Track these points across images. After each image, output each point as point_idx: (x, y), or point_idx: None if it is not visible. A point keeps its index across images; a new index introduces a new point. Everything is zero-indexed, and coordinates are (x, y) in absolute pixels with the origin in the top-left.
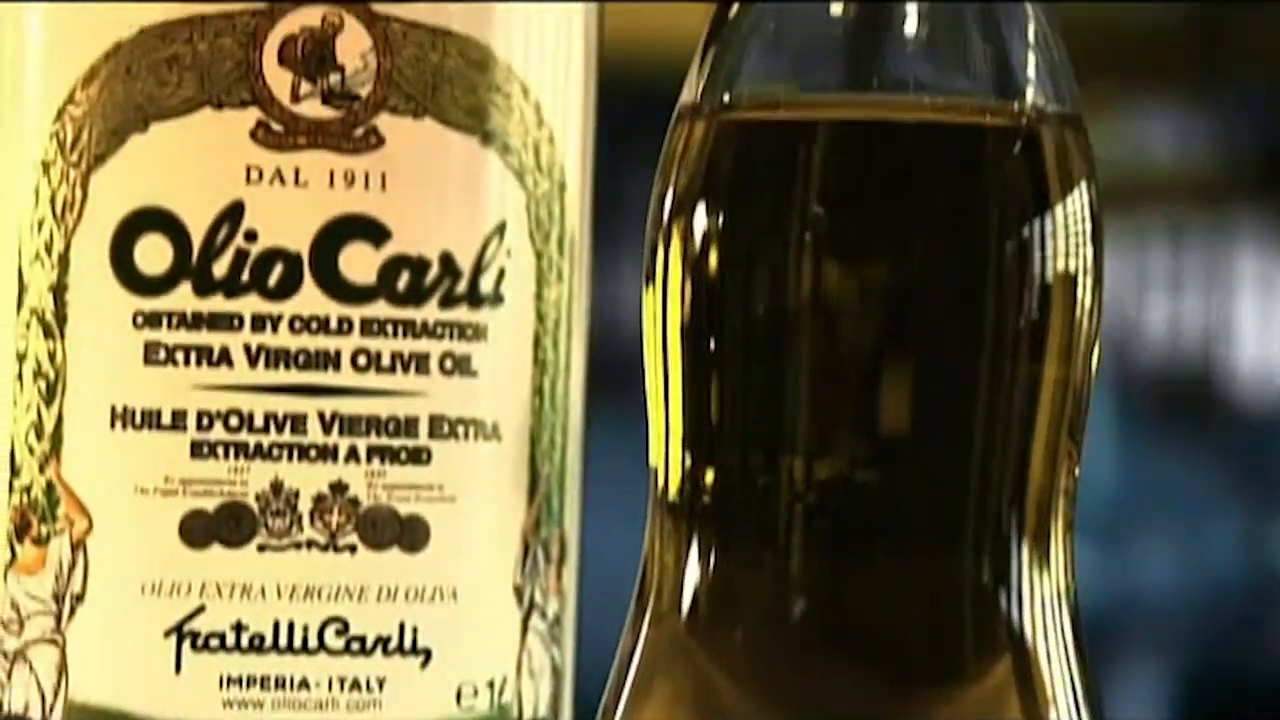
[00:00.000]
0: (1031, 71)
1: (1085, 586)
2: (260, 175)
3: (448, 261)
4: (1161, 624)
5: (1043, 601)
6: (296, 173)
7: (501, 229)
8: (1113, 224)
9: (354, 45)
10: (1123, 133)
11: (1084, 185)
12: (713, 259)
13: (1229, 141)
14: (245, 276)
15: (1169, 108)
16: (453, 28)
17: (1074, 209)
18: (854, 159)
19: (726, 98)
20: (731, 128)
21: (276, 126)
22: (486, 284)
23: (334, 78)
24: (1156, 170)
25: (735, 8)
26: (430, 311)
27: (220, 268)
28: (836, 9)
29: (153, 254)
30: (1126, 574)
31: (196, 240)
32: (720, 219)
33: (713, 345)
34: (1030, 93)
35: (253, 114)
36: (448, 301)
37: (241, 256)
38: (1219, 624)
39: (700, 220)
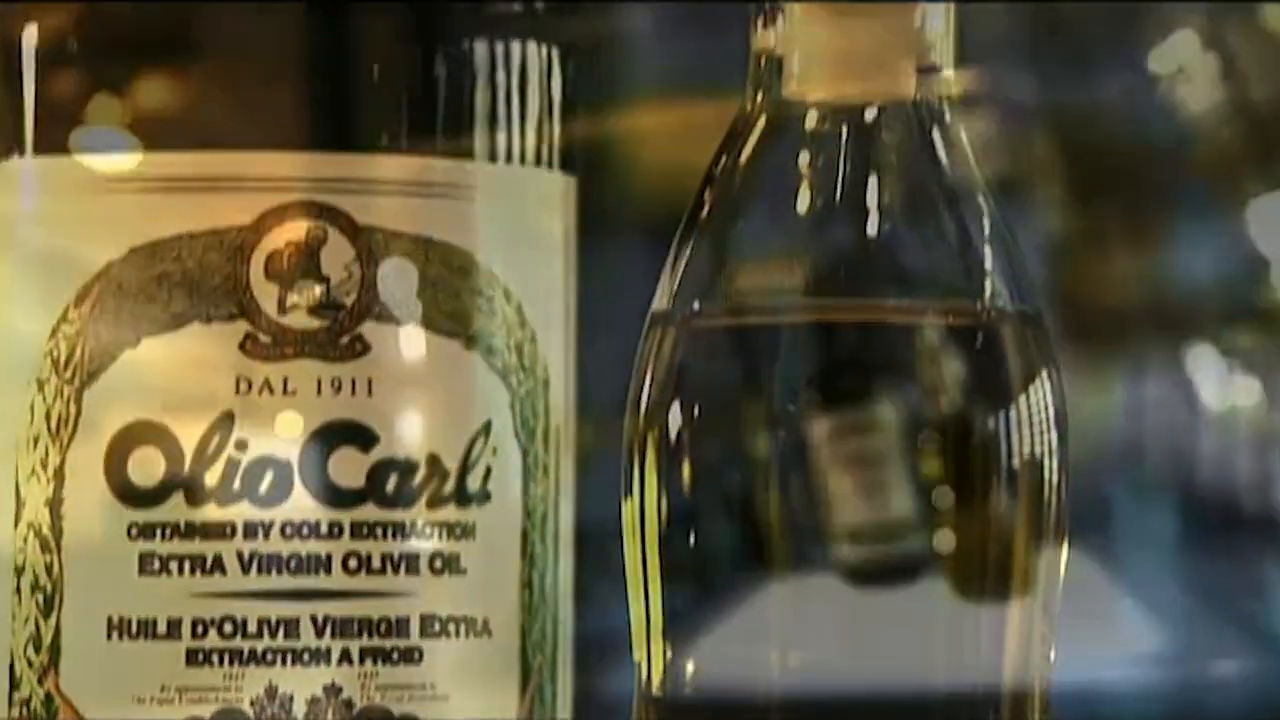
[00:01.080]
0: (990, 269)
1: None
2: (250, 386)
3: (435, 462)
4: None
5: None
6: (285, 382)
7: (487, 428)
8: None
9: (338, 256)
10: (1165, 262)
11: (1045, 376)
12: (686, 468)
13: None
14: (236, 485)
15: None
16: (434, 236)
17: (1035, 400)
18: (821, 362)
19: (696, 305)
20: (701, 335)
21: (264, 338)
22: (474, 483)
23: (319, 289)
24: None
25: (704, 213)
26: (419, 512)
27: (212, 477)
28: (803, 208)
29: (146, 466)
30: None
31: (188, 451)
32: (691, 428)
33: (690, 551)
34: (990, 291)
35: (241, 327)
36: (436, 502)
37: (233, 466)
38: None
39: (673, 429)
